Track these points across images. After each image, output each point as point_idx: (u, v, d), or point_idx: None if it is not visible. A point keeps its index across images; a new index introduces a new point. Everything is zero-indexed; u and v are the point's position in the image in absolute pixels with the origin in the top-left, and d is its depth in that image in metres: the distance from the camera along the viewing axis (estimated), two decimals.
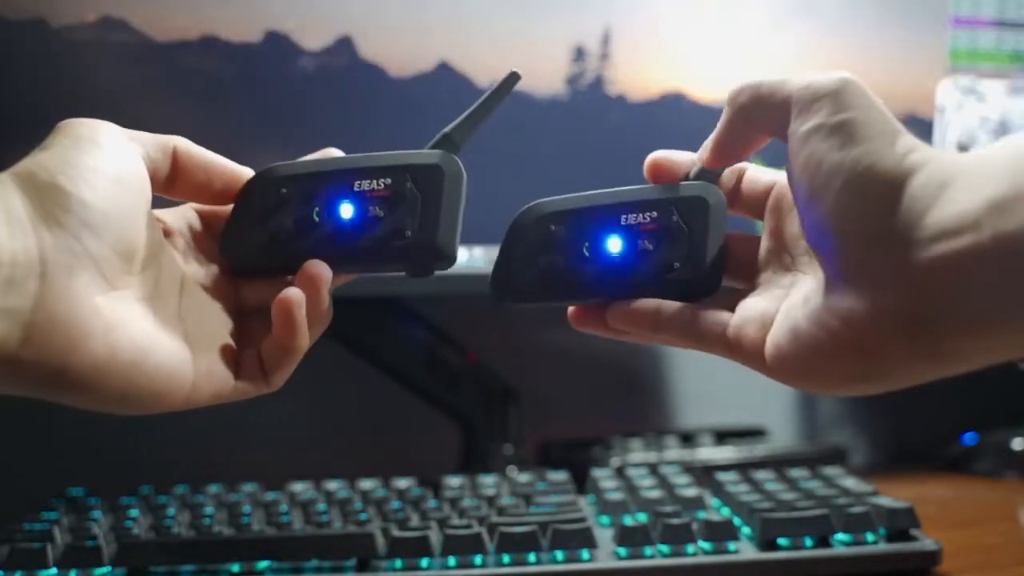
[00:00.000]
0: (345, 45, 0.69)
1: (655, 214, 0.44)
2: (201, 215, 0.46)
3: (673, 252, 0.44)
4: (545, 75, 0.72)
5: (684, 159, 0.45)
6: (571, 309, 0.46)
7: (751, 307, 0.42)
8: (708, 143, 0.43)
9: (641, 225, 0.44)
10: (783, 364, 0.39)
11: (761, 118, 0.40)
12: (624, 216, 0.44)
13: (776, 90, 0.39)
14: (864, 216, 0.35)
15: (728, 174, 0.45)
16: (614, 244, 0.44)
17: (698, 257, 0.44)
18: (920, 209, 0.33)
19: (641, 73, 0.74)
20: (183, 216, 0.45)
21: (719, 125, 0.42)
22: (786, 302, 0.40)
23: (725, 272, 0.44)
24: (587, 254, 0.44)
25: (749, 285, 0.44)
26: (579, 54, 0.73)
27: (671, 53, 0.75)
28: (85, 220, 0.36)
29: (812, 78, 0.38)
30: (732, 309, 0.43)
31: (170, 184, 0.43)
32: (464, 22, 0.70)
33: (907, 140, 0.36)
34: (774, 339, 0.39)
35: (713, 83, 0.75)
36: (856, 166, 0.35)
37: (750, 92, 0.40)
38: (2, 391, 0.36)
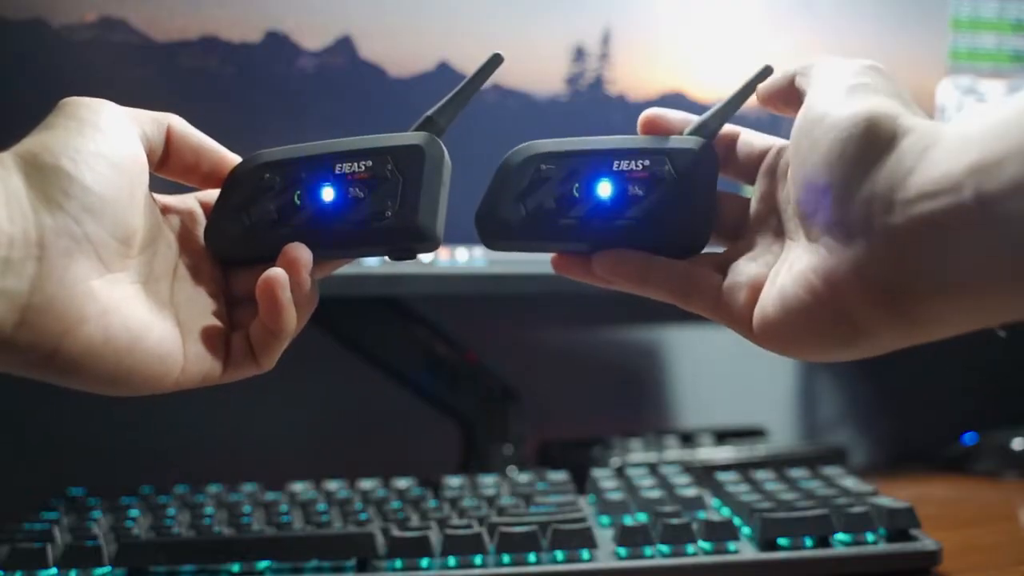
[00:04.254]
0: (345, 45, 0.69)
1: (647, 162, 0.43)
2: (203, 205, 0.46)
3: (664, 202, 0.43)
4: (545, 75, 0.72)
5: (678, 118, 0.45)
6: (554, 255, 0.45)
7: (742, 271, 0.42)
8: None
9: (633, 172, 0.44)
10: (768, 330, 0.39)
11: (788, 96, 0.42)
12: (616, 162, 0.44)
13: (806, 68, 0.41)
14: (850, 169, 0.35)
15: (721, 137, 0.45)
16: (604, 189, 0.44)
17: (688, 210, 0.43)
18: (903, 171, 0.34)
19: (641, 73, 0.74)
20: (185, 203, 0.46)
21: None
22: (775, 268, 0.41)
23: (713, 229, 0.44)
24: (577, 196, 0.44)
25: (733, 246, 0.44)
26: (579, 54, 0.73)
27: (671, 53, 0.75)
28: (86, 204, 0.37)
29: (841, 60, 0.40)
30: (720, 270, 0.43)
31: (162, 163, 0.43)
32: (464, 22, 0.70)
33: (909, 109, 0.36)
34: (762, 305, 0.40)
35: (713, 83, 0.75)
36: (854, 118, 0.36)
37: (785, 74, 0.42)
38: None
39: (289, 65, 0.68)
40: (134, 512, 0.59)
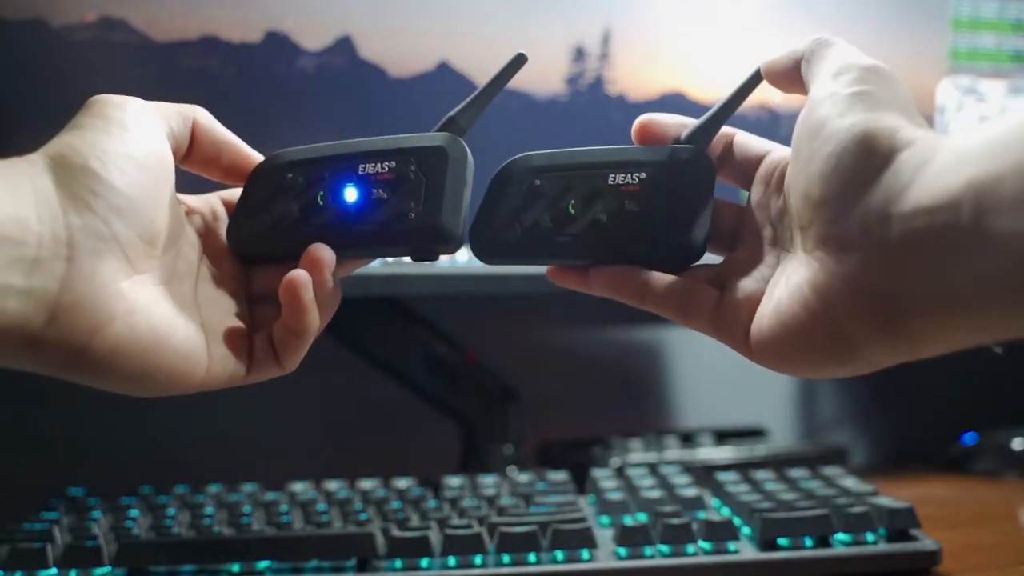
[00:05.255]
0: (345, 45, 0.69)
1: (643, 175, 0.43)
2: (226, 204, 0.46)
3: (659, 215, 0.43)
4: (545, 75, 0.72)
5: (673, 122, 0.45)
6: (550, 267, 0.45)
7: (739, 289, 0.41)
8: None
9: (628, 186, 0.43)
10: (765, 346, 0.39)
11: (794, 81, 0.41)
12: (612, 175, 0.43)
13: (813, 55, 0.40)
14: (846, 183, 0.35)
15: (715, 140, 0.45)
16: (599, 204, 0.43)
17: (684, 223, 0.43)
18: (900, 185, 0.33)
19: (641, 73, 0.74)
20: (207, 203, 0.46)
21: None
22: (771, 281, 0.40)
23: (710, 240, 0.44)
24: (572, 213, 0.43)
25: (730, 256, 0.44)
26: (579, 54, 0.73)
27: (671, 53, 0.75)
28: (113, 204, 0.37)
29: (848, 53, 0.39)
30: (717, 284, 0.42)
31: (185, 156, 0.44)
32: (464, 22, 0.70)
33: (910, 120, 0.36)
34: (758, 321, 0.40)
35: (713, 83, 0.75)
36: (851, 131, 0.35)
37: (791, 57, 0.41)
38: (22, 368, 0.37)
39: (289, 65, 0.68)
40: (134, 512, 0.59)
